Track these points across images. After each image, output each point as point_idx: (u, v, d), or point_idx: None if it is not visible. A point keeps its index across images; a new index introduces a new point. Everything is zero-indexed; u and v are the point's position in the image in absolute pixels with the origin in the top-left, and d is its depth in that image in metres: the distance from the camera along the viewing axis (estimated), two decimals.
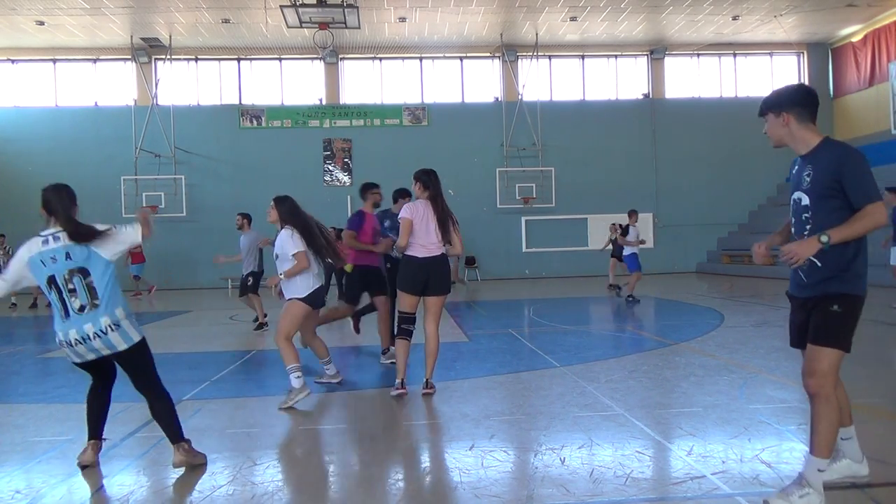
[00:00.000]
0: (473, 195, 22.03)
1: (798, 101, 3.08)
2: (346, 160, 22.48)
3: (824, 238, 2.86)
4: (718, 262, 22.28)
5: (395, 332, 5.61)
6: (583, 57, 23.53)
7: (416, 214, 5.38)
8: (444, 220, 5.42)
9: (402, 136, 22.12)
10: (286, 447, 4.16)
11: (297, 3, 16.20)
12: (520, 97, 22.58)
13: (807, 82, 23.75)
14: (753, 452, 3.79)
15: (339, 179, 22.49)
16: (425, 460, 3.84)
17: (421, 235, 5.34)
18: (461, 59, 23.29)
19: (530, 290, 17.31)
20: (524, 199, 22.28)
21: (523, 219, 22.38)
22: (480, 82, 23.42)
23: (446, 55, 23.08)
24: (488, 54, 23.18)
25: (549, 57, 23.33)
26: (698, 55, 23.60)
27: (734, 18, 20.50)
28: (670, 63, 23.77)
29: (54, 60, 22.13)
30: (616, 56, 23.63)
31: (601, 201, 22.05)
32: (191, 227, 21.64)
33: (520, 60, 23.09)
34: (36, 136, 21.63)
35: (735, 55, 23.74)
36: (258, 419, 5.00)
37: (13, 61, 22.11)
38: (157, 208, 21.21)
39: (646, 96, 23.60)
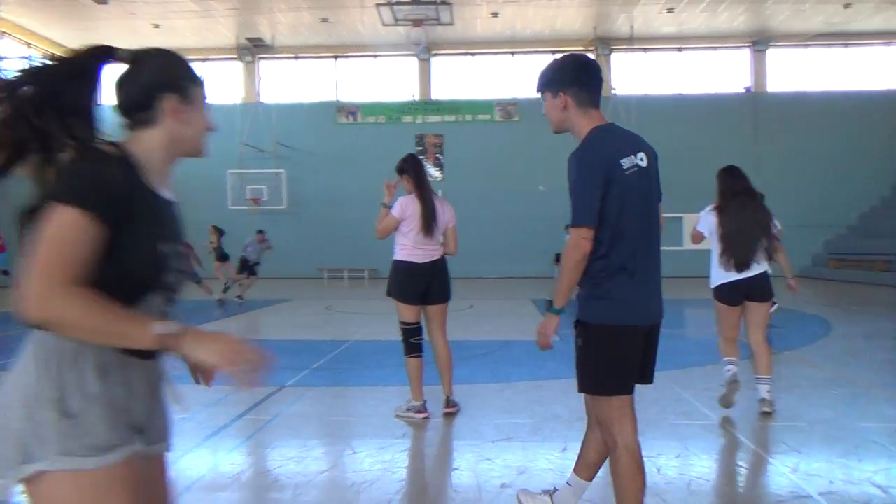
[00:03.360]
0: (566, 191, 21.76)
1: (578, 79, 2.49)
2: (437, 155, 22.77)
3: (548, 306, 2.44)
4: (825, 267, 21.02)
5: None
6: (680, 49, 22.76)
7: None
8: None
9: (493, 131, 22.18)
10: (384, 437, 4.31)
11: (393, 2, 16.54)
12: (613, 92, 22.11)
13: None
14: (864, 474, 3.61)
15: (430, 174, 22.86)
16: (519, 459, 3.89)
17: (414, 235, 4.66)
18: (553, 53, 23.05)
19: None
20: None
21: None
22: None
23: (538, 50, 22.90)
24: (581, 48, 22.80)
25: (645, 50, 22.70)
26: (805, 46, 22.30)
27: (846, 7, 19.25)
28: (774, 55, 22.60)
29: None
30: (716, 48, 22.71)
31: (697, 199, 21.19)
32: (290, 219, 22.58)
33: (613, 54, 22.60)
34: None
35: (846, 45, 22.27)
36: (356, 408, 5.22)
37: None
38: (260, 200, 22.27)
39: (748, 90, 22.57)
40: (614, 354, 2.42)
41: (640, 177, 2.44)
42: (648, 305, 2.47)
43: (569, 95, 2.49)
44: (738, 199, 4.78)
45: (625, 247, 2.39)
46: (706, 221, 4.97)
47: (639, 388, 2.40)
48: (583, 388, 2.51)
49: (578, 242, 2.36)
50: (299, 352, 7.94)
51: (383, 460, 3.90)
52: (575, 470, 2.83)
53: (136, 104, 1.53)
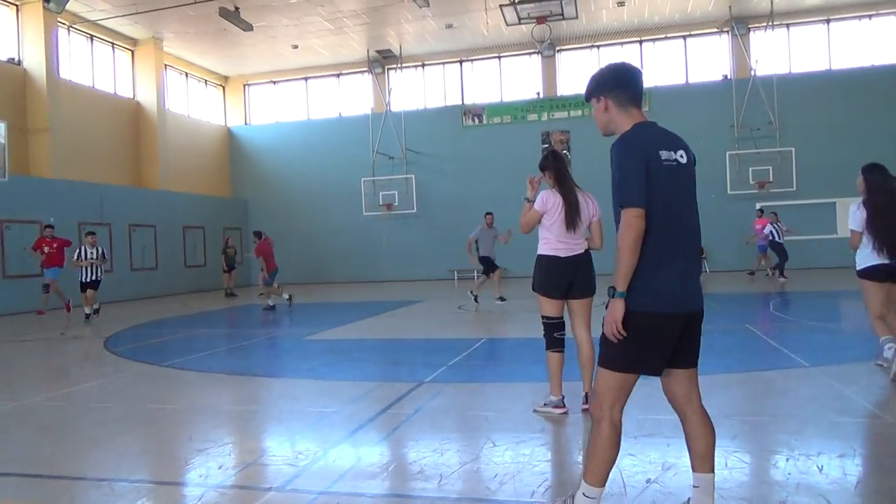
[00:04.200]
0: (700, 181, 20.46)
1: (616, 83, 2.73)
2: (564, 152, 22.48)
3: (612, 291, 2.57)
4: None
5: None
6: (828, 21, 20.96)
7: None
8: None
9: None
10: (523, 431, 4.35)
11: (516, 1, 16.55)
12: (752, 72, 20.77)
13: None
14: None
15: None
16: (664, 455, 3.78)
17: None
18: (684, 38, 22.04)
19: (768, 283, 15.89)
20: (759, 183, 20.47)
21: (758, 205, 20.57)
22: (706, 61, 21.97)
23: (668, 36, 22.00)
24: (715, 30, 21.64)
25: (787, 25, 21.13)
26: None
27: None
28: None
29: (306, 79, 25.13)
30: (870, 16, 20.67)
31: (852, 183, 19.48)
32: (420, 223, 23.27)
33: (751, 33, 21.23)
34: (292, 147, 24.79)
35: None
36: (493, 404, 5.30)
37: (274, 83, 25.53)
38: (392, 205, 23.12)
39: None
40: (646, 339, 2.57)
41: (677, 172, 2.63)
42: (681, 295, 2.59)
43: (609, 98, 2.73)
44: (889, 195, 5.35)
45: (657, 238, 2.55)
46: (858, 218, 5.50)
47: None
48: (605, 362, 2.66)
49: (631, 222, 2.51)
50: (435, 350, 8.17)
51: (523, 454, 3.94)
52: (694, 469, 2.79)
53: None
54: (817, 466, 3.45)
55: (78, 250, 12.83)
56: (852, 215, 5.53)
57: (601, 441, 2.66)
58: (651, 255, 2.55)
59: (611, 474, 3.52)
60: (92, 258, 12.67)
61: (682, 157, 2.67)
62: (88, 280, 12.71)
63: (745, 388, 5.46)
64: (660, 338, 2.60)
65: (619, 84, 2.74)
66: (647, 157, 2.57)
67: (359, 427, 4.63)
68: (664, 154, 2.60)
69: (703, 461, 2.75)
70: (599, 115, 2.80)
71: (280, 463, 3.95)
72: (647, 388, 5.35)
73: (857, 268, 5.57)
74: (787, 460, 3.61)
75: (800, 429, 4.17)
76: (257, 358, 8.30)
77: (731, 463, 3.58)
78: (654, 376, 2.70)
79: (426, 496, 3.32)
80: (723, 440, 3.95)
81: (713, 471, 2.75)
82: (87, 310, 12.76)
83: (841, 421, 4.28)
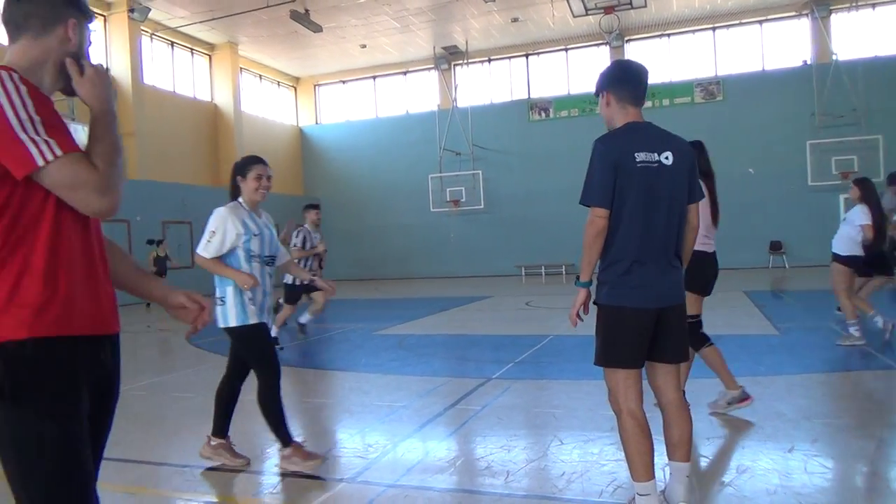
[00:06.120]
0: (778, 173, 19.90)
1: (618, 79, 2.81)
2: None
3: (576, 281, 2.80)
4: None
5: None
6: None
7: None
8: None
9: (693, 114, 20.88)
10: (591, 430, 4.31)
11: None
12: (834, 57, 19.72)
13: None
14: None
15: None
16: (739, 457, 3.68)
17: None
18: (760, 22, 21.15)
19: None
20: (842, 174, 19.41)
21: (841, 196, 19.51)
22: (784, 46, 21.01)
23: (742, 21, 21.16)
24: (793, 13, 20.67)
25: (872, 5, 19.96)
26: None
27: None
28: None
29: (374, 77, 25.51)
30: None
31: None
32: (488, 219, 23.27)
33: (833, 15, 20.17)
34: (361, 145, 25.22)
35: None
36: (561, 401, 5.27)
37: (343, 82, 26.03)
38: (460, 202, 23.21)
39: None
40: (616, 332, 2.71)
41: (657, 173, 2.66)
42: (650, 290, 2.68)
43: (610, 93, 2.82)
44: (878, 202, 6.81)
45: (628, 235, 2.65)
46: (867, 216, 6.76)
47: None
48: (595, 360, 2.79)
49: (592, 220, 2.68)
50: (502, 346, 8.17)
51: (592, 452, 3.90)
52: (668, 457, 2.87)
53: None
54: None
55: (301, 232, 8.50)
56: (865, 214, 6.77)
57: (627, 434, 2.70)
58: (621, 251, 2.68)
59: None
60: (319, 245, 8.46)
61: (667, 158, 2.69)
62: (304, 282, 7.79)
63: (827, 390, 5.23)
64: (631, 331, 2.69)
65: (620, 80, 2.82)
66: (619, 158, 2.64)
67: (427, 421, 4.69)
68: (641, 156, 2.65)
69: (675, 449, 2.81)
70: (603, 109, 2.87)
71: (351, 455, 4.06)
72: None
73: (841, 254, 6.99)
74: (872, 466, 3.44)
75: (889, 434, 3.97)
76: (329, 352, 8.52)
77: (811, 468, 3.45)
78: (634, 368, 2.73)
79: (493, 492, 3.34)
80: (803, 444, 3.82)
81: (687, 460, 2.80)
82: (304, 319, 9.10)
83: None
